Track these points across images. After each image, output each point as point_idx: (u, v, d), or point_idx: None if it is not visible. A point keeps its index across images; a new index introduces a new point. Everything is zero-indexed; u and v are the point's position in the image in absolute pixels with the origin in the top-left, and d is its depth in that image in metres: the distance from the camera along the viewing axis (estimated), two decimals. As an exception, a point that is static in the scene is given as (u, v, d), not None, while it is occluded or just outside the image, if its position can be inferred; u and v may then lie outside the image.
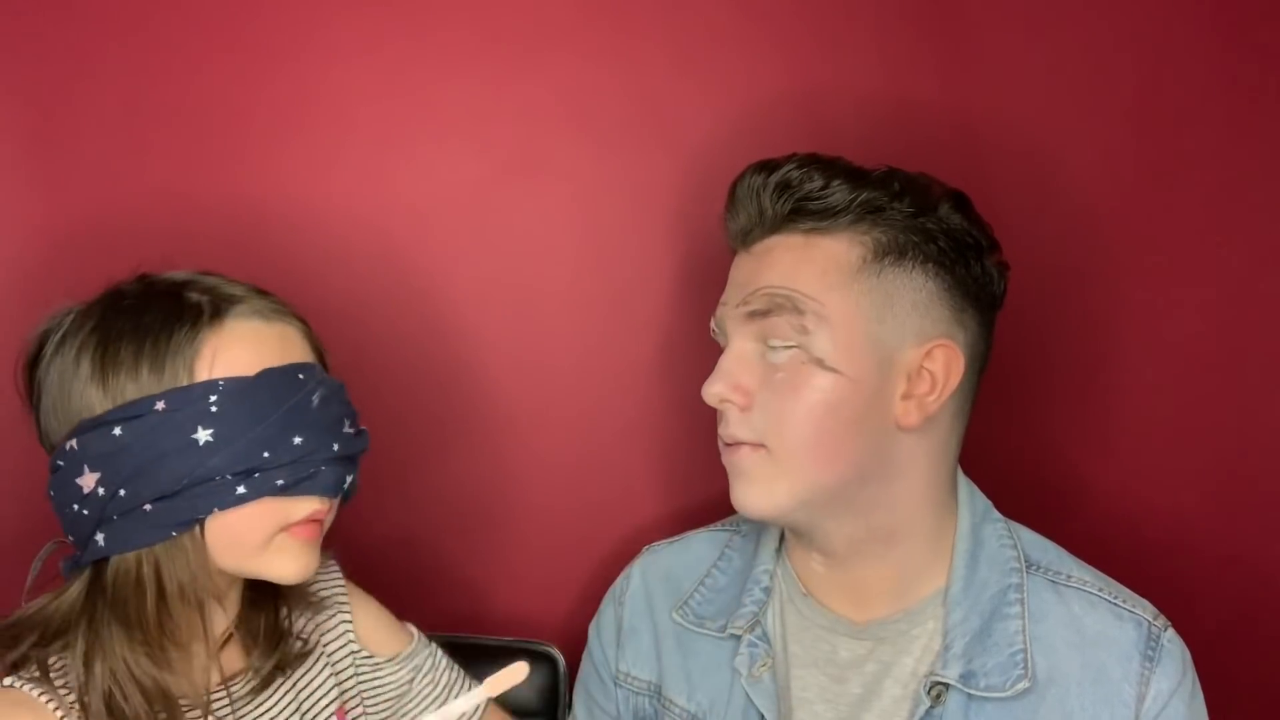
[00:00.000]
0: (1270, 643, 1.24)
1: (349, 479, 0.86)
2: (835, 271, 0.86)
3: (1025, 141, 1.17)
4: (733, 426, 0.88)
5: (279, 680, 0.91)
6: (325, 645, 0.96)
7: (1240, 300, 1.20)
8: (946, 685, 0.87)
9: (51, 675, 0.81)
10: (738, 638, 0.94)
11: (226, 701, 0.88)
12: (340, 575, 1.00)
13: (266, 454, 0.81)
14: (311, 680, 0.94)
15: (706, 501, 1.20)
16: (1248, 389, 1.21)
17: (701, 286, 1.21)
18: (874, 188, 0.87)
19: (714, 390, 0.88)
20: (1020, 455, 1.21)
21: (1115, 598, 0.90)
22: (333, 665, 0.96)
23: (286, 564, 0.84)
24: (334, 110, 1.17)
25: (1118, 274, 1.20)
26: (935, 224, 0.87)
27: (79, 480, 0.81)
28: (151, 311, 0.83)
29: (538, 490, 1.24)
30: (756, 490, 0.88)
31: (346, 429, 0.87)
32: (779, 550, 0.98)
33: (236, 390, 0.81)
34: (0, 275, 1.16)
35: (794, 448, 0.86)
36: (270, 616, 0.92)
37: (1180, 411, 1.22)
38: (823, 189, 0.86)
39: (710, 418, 1.22)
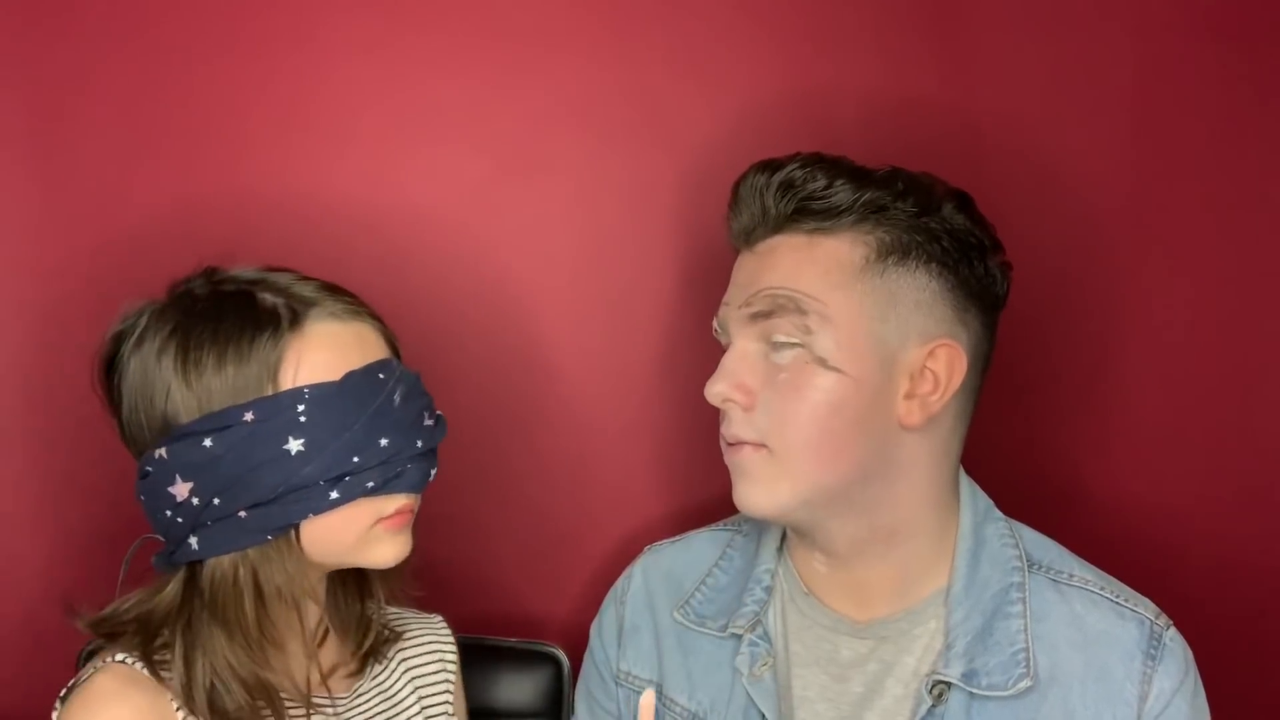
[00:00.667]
0: (1272, 643, 1.25)
1: (433, 472, 0.88)
2: (838, 271, 0.86)
3: (1026, 141, 1.17)
4: (735, 426, 0.88)
5: (372, 670, 0.94)
6: (419, 680, 0.99)
7: (1241, 300, 1.20)
8: (948, 684, 0.87)
9: (157, 668, 0.83)
10: (739, 637, 0.94)
11: (327, 698, 0.90)
12: (449, 632, 1.03)
13: (356, 459, 0.82)
14: (398, 689, 0.97)
15: (707, 501, 1.20)
16: (1248, 389, 1.21)
17: (701, 286, 1.21)
18: (877, 187, 0.87)
19: (717, 390, 0.88)
20: (1021, 455, 1.21)
21: (1117, 596, 0.90)
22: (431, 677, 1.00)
23: (383, 551, 0.86)
24: (334, 110, 1.16)
25: (1118, 274, 1.20)
26: (939, 224, 0.87)
27: (171, 489, 0.82)
28: (228, 316, 0.83)
29: (538, 490, 1.23)
30: (759, 490, 0.88)
31: (426, 421, 0.88)
32: (780, 549, 0.98)
33: (323, 397, 0.82)
34: (0, 275, 1.16)
35: (797, 448, 0.86)
36: (356, 607, 0.95)
37: (1181, 411, 1.22)
38: (826, 189, 0.86)
39: (711, 417, 1.22)
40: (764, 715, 0.91)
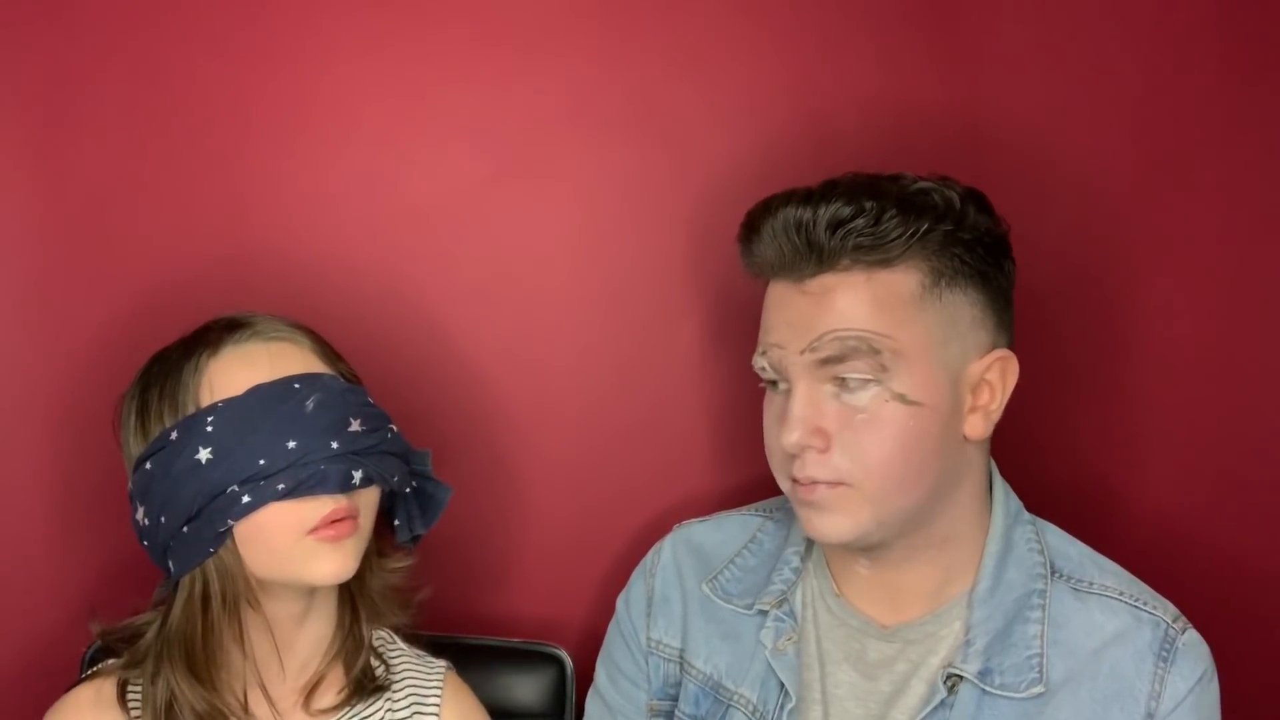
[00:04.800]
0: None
1: (357, 475, 0.88)
2: (901, 306, 0.86)
3: (1027, 144, 1.18)
4: (810, 469, 0.87)
5: (353, 709, 0.96)
6: (404, 693, 1.00)
7: (1259, 297, 1.20)
8: (961, 678, 0.88)
9: (128, 696, 0.91)
10: (764, 613, 0.96)
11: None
12: (441, 679, 1.01)
13: (262, 461, 0.86)
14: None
15: (710, 500, 1.20)
16: (1262, 389, 1.20)
17: (702, 286, 1.21)
18: (920, 212, 0.86)
19: (793, 440, 0.86)
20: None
21: (1136, 600, 0.90)
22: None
23: (318, 566, 0.88)
24: (334, 110, 1.16)
25: (1125, 277, 1.20)
26: (970, 233, 0.87)
27: (136, 516, 0.90)
28: (175, 354, 0.91)
29: (539, 491, 1.23)
30: (837, 519, 0.87)
31: (351, 428, 0.89)
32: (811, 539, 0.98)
33: (229, 408, 0.87)
34: (0, 275, 1.15)
35: (883, 481, 0.86)
36: (347, 627, 0.98)
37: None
38: (875, 224, 0.85)
39: (713, 417, 1.23)
40: (782, 685, 0.93)
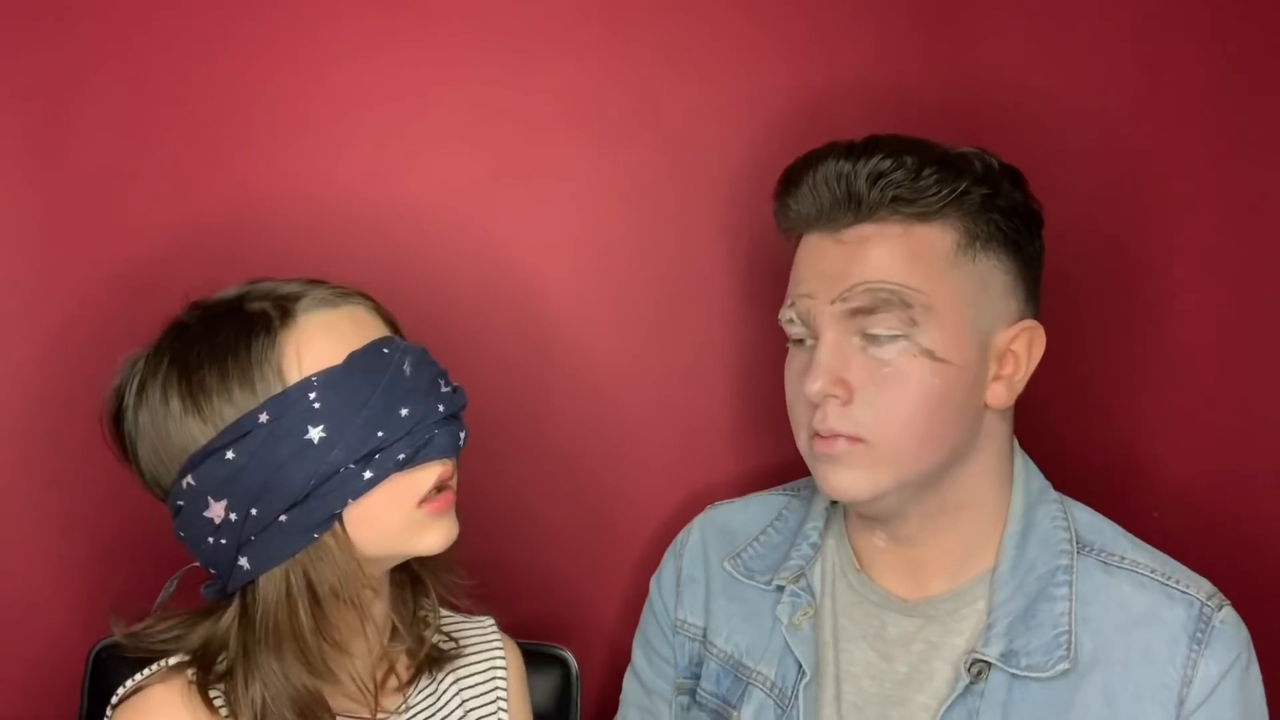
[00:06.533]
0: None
1: (463, 435, 0.87)
2: (935, 261, 0.86)
3: (1027, 141, 1.18)
4: (831, 420, 0.87)
5: (421, 683, 0.93)
6: (475, 664, 0.98)
7: (1252, 294, 1.21)
8: (988, 664, 0.87)
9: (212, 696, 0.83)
10: (782, 588, 0.96)
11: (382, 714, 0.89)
12: (498, 635, 1.01)
13: (381, 433, 0.81)
14: (448, 706, 0.96)
15: (714, 498, 1.20)
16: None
17: (701, 285, 1.21)
18: (960, 173, 0.87)
19: (816, 387, 0.86)
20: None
21: (1169, 578, 0.89)
22: (476, 691, 0.98)
23: (432, 536, 0.85)
24: (334, 111, 1.16)
25: (1130, 270, 1.20)
26: (1006, 202, 0.88)
27: (207, 513, 0.82)
28: (222, 332, 0.83)
29: (540, 493, 1.23)
30: (855, 475, 0.87)
31: (444, 388, 0.87)
32: (830, 511, 0.99)
33: (331, 381, 0.81)
34: (0, 275, 1.14)
35: (902, 439, 0.86)
36: (411, 607, 0.94)
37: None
38: (915, 178, 0.86)
39: (713, 417, 1.23)
40: (800, 664, 0.92)
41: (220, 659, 0.84)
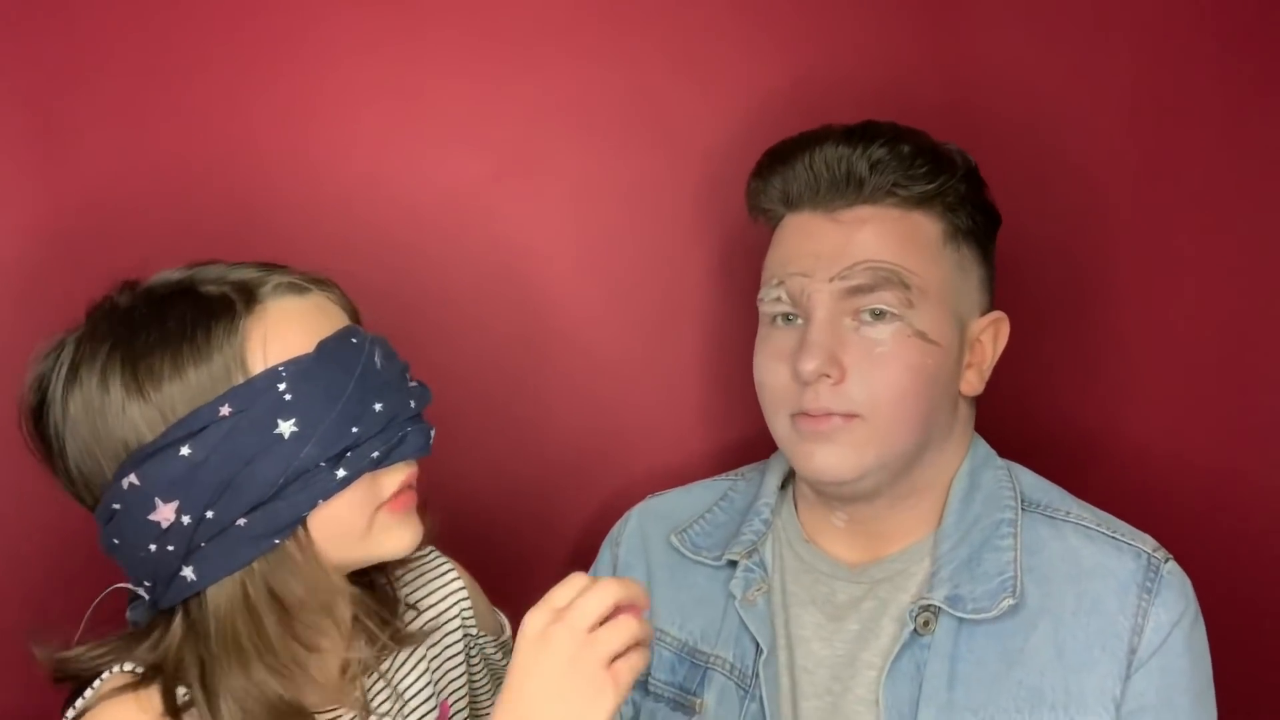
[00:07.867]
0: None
1: (432, 432, 0.81)
2: (927, 246, 0.89)
3: (1026, 140, 1.19)
4: (824, 399, 0.88)
5: (412, 652, 0.89)
6: (438, 616, 0.94)
7: (1241, 289, 1.21)
8: (935, 611, 0.88)
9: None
10: (734, 564, 0.96)
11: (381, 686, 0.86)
12: (449, 565, 0.98)
13: (355, 429, 0.76)
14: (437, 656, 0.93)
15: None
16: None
17: (701, 285, 1.21)
18: (947, 165, 0.90)
19: (812, 366, 0.87)
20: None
21: (1115, 531, 0.90)
22: (445, 638, 0.95)
23: (396, 539, 0.80)
24: (334, 110, 1.16)
25: (1118, 267, 1.21)
26: (980, 200, 0.92)
27: (152, 516, 0.74)
28: (172, 316, 0.75)
29: (539, 494, 1.23)
30: (843, 454, 0.88)
31: (411, 383, 0.82)
32: (782, 490, 1.00)
33: (301, 371, 0.75)
34: (0, 275, 1.14)
35: (893, 417, 0.88)
36: (372, 591, 0.88)
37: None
38: (911, 166, 0.89)
39: (716, 417, 1.23)
40: (757, 642, 0.92)
41: (175, 680, 0.76)
